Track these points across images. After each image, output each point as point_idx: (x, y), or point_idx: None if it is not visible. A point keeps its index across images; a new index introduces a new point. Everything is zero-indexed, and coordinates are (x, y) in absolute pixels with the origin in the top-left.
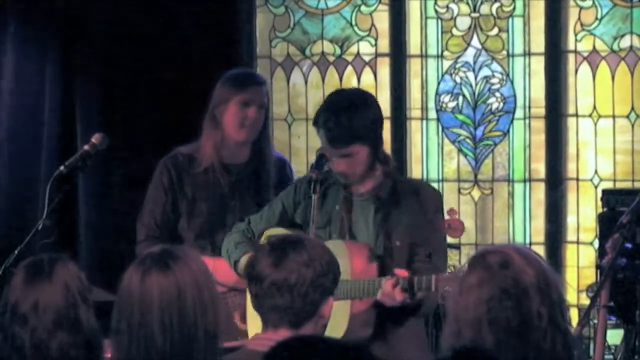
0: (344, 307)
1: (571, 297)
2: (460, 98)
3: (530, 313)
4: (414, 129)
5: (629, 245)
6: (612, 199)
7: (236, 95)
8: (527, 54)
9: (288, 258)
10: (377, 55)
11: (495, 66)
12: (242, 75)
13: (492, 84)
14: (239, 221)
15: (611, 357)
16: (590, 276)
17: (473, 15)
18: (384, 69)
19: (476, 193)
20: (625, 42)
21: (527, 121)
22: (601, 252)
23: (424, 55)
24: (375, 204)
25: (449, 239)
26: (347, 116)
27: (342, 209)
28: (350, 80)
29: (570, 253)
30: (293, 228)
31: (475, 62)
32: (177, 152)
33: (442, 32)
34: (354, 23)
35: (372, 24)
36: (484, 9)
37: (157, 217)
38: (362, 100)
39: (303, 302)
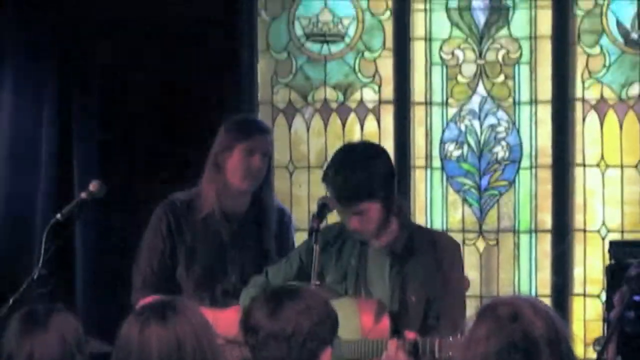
0: None
1: (578, 350)
2: (465, 146)
3: None
4: (418, 177)
5: (637, 298)
6: (619, 250)
7: (241, 142)
8: (534, 101)
9: (284, 307)
10: (380, 102)
11: (501, 114)
12: (247, 123)
13: (498, 132)
14: (238, 270)
15: None
16: (597, 329)
17: (479, 62)
18: (388, 116)
19: (481, 244)
20: (633, 90)
21: (533, 170)
22: (609, 305)
23: (428, 103)
24: (390, 258)
25: None
26: (354, 173)
27: (358, 263)
28: (353, 128)
29: (577, 306)
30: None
31: (480, 110)
32: (174, 198)
33: (447, 79)
34: (357, 69)
35: (376, 71)
36: (490, 55)
37: (154, 264)
38: (370, 155)
39: (300, 353)
